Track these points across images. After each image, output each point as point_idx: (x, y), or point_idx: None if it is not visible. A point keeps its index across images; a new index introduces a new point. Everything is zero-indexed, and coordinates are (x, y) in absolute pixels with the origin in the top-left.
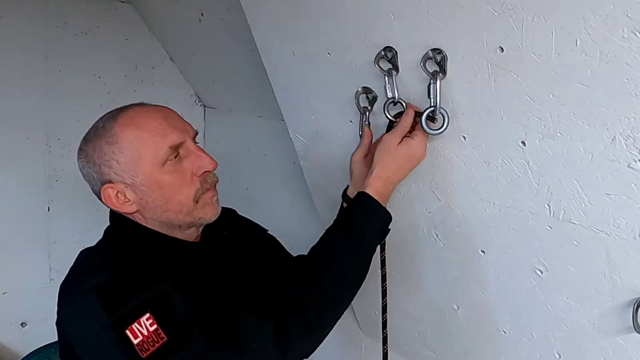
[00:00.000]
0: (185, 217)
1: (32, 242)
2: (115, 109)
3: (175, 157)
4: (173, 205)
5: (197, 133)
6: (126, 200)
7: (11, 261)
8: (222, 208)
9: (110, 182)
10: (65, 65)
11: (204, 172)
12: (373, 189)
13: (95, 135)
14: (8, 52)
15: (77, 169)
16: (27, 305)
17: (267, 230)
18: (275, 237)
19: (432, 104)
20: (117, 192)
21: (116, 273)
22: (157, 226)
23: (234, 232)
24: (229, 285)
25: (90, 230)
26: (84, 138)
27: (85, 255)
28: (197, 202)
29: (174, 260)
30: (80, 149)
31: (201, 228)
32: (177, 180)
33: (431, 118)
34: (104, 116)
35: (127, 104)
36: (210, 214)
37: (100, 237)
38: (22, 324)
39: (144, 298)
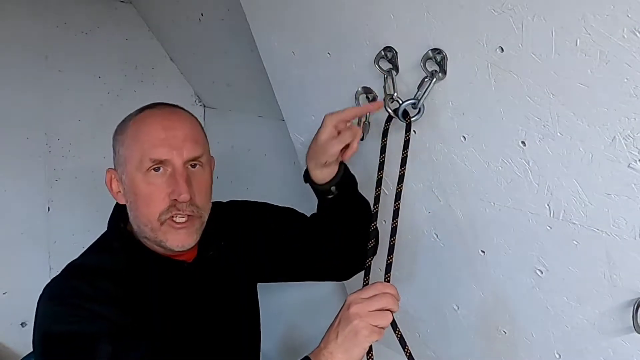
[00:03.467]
0: (150, 233)
1: (32, 242)
2: (148, 104)
3: (158, 170)
4: (141, 215)
5: (196, 157)
6: (118, 190)
7: (11, 261)
8: (220, 204)
9: (114, 168)
10: (65, 65)
11: (173, 199)
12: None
13: (122, 121)
14: (8, 52)
15: (77, 169)
16: (27, 305)
17: (274, 206)
18: (285, 206)
19: (415, 97)
20: (114, 179)
21: (74, 290)
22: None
23: (235, 240)
24: (200, 318)
25: (90, 230)
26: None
27: (71, 263)
28: (161, 224)
29: (153, 279)
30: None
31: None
32: (150, 192)
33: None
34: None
35: (156, 102)
36: (172, 243)
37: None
38: (22, 324)
39: (75, 330)
